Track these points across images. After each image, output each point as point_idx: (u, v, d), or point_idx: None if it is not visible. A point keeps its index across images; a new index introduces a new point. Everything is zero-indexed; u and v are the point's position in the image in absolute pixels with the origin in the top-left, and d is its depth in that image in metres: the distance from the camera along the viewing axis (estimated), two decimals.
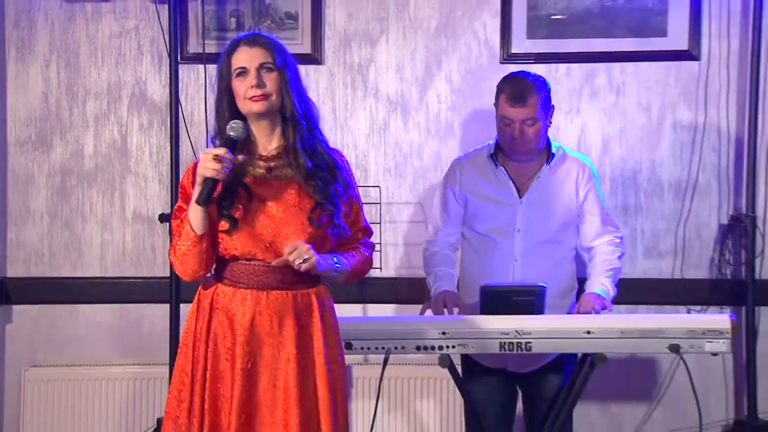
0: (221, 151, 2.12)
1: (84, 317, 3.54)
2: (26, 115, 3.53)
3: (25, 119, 3.53)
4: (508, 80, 2.86)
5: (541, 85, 2.85)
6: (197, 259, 2.20)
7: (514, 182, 2.89)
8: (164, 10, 3.29)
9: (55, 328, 3.54)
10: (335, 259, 2.28)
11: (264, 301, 2.23)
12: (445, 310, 2.80)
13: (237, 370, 2.21)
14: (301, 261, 2.17)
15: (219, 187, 2.19)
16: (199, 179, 2.14)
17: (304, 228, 2.22)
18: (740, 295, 3.32)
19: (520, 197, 2.87)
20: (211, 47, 3.37)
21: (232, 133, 2.17)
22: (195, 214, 2.17)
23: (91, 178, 3.54)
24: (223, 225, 2.18)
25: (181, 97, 3.29)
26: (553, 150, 2.89)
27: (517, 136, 2.79)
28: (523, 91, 2.79)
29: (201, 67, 3.38)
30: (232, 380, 2.23)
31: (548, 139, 2.92)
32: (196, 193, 2.16)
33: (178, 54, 3.27)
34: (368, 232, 2.40)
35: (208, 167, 2.11)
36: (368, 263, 2.40)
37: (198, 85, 3.44)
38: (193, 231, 2.17)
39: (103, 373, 3.44)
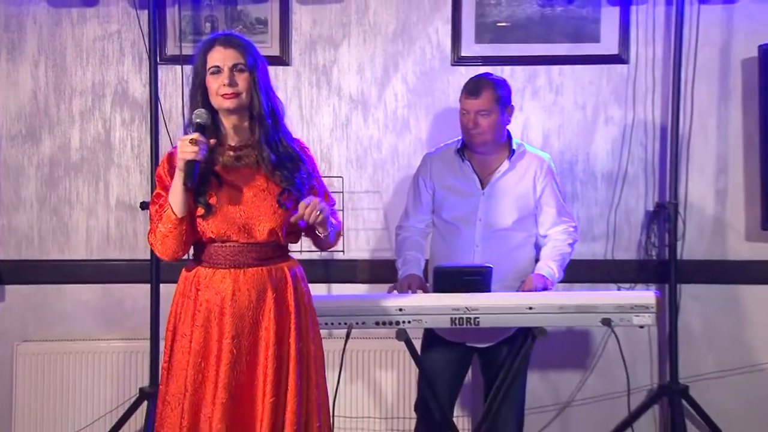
0: (195, 135, 2.20)
1: (71, 296, 3.62)
2: (17, 111, 3.60)
3: (15, 115, 3.60)
4: (470, 79, 3.00)
5: (498, 84, 2.97)
6: (177, 240, 2.26)
7: (478, 175, 2.99)
8: (144, 15, 3.37)
9: (44, 306, 3.62)
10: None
11: (242, 278, 2.30)
12: (409, 292, 2.89)
13: (224, 344, 2.27)
14: (318, 212, 2.26)
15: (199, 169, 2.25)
16: (180, 164, 2.21)
17: (274, 210, 2.30)
18: (664, 274, 3.50)
19: (482, 189, 2.97)
20: (188, 49, 3.44)
21: (198, 120, 2.25)
22: (177, 198, 2.24)
23: (78, 169, 3.61)
24: (199, 211, 2.25)
25: (160, 95, 3.38)
26: (514, 146, 2.99)
27: (471, 126, 2.90)
28: (478, 86, 2.93)
29: (178, 67, 3.49)
30: (219, 353, 2.28)
31: (510, 136, 3.03)
32: (180, 177, 2.22)
33: (157, 55, 3.36)
34: (335, 214, 2.47)
35: (187, 151, 2.19)
36: (339, 233, 2.50)
37: (176, 84, 3.54)
38: (174, 214, 2.24)
39: (89, 347, 3.53)
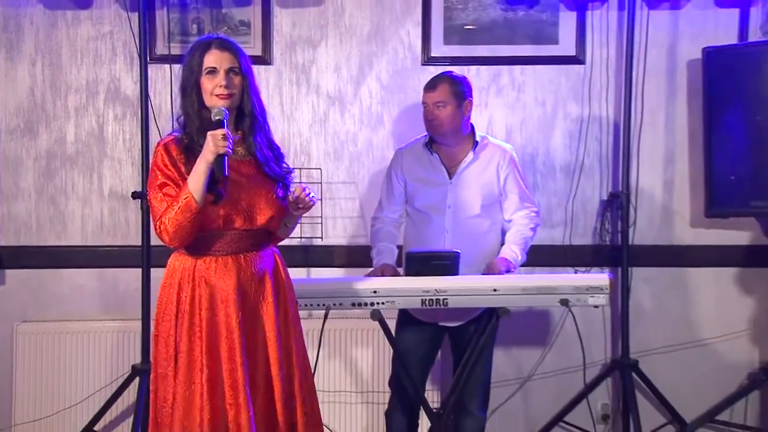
0: (224, 131, 2.22)
1: (68, 280, 3.66)
2: (15, 107, 3.62)
3: (14, 110, 3.62)
4: (432, 76, 3.07)
5: (454, 79, 3.02)
6: (193, 228, 2.26)
7: (445, 166, 3.04)
8: (135, 17, 3.39)
9: (42, 289, 3.65)
10: None
11: (243, 262, 2.35)
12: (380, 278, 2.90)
13: (232, 325, 2.30)
14: (312, 195, 2.33)
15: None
16: (211, 157, 2.21)
17: (270, 197, 2.38)
18: (616, 258, 3.59)
19: (450, 179, 3.02)
20: (176, 49, 3.50)
21: (218, 117, 2.27)
22: (199, 189, 2.23)
23: (73, 161, 3.64)
24: (209, 197, 2.26)
25: (150, 92, 3.41)
26: (477, 138, 3.05)
27: (430, 117, 2.98)
28: (436, 81, 3.00)
29: (167, 66, 3.53)
30: (229, 336, 2.30)
31: (473, 129, 3.08)
32: (205, 169, 2.21)
33: (147, 55, 3.38)
34: None
35: (220, 145, 2.21)
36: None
37: (165, 81, 3.57)
38: (196, 203, 2.22)
39: (84, 327, 3.57)
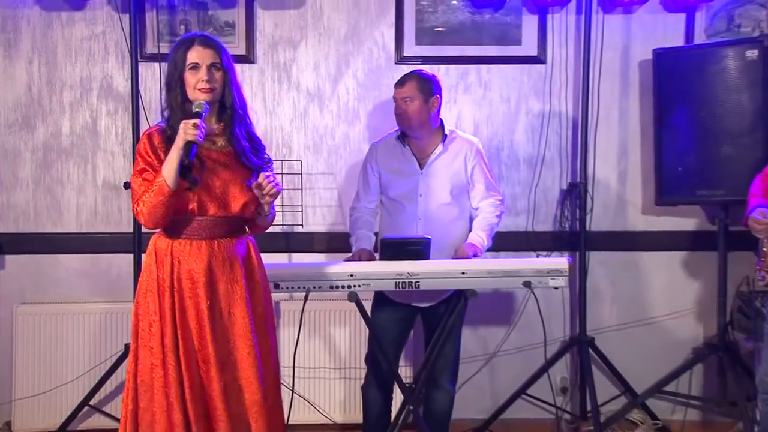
0: (197, 121, 2.23)
1: (64, 264, 3.69)
2: (13, 102, 3.65)
3: (12, 105, 3.65)
4: (402, 74, 3.11)
5: (422, 77, 3.06)
6: (166, 210, 2.28)
7: (416, 158, 3.08)
8: (126, 18, 3.43)
9: (40, 273, 3.69)
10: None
11: (216, 248, 2.36)
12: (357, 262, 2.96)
13: (201, 307, 2.32)
14: (273, 188, 2.30)
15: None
16: (180, 143, 2.22)
17: (243, 186, 2.39)
18: (575, 243, 3.66)
19: (421, 170, 3.06)
20: (165, 49, 3.45)
21: (198, 109, 2.29)
22: (172, 173, 2.24)
23: (68, 153, 3.67)
24: (184, 184, 2.26)
25: (141, 89, 3.43)
26: (446, 132, 3.09)
27: (399, 111, 3.03)
28: (404, 78, 3.06)
29: (156, 64, 3.56)
30: (198, 315, 2.33)
31: (443, 124, 3.11)
32: (178, 155, 2.23)
33: (137, 54, 3.42)
34: (272, 205, 2.46)
35: (190, 133, 2.21)
36: (273, 220, 2.52)
37: (154, 79, 3.60)
38: (168, 187, 2.24)
39: (79, 309, 3.60)
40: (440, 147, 3.08)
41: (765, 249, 2.89)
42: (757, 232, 2.87)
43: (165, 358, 2.30)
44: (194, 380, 2.31)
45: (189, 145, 2.22)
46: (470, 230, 3.12)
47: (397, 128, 3.12)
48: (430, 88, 3.05)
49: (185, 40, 2.38)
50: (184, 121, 2.25)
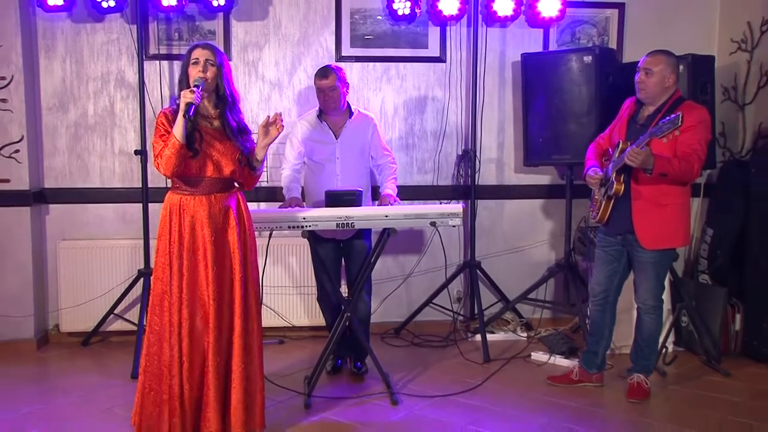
0: (193, 88, 2.59)
1: (92, 211, 4.21)
2: (52, 91, 4.14)
3: (51, 93, 4.15)
4: (320, 69, 3.47)
5: (337, 70, 3.41)
6: (177, 161, 2.57)
7: (332, 130, 3.46)
8: (134, 27, 3.96)
9: (75, 218, 4.19)
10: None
11: (213, 200, 2.68)
12: (292, 207, 3.28)
13: (207, 243, 2.66)
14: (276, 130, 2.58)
15: (190, 128, 2.55)
16: (182, 104, 2.53)
17: (233, 157, 2.70)
18: (467, 194, 4.21)
19: (336, 138, 3.46)
20: (164, 50, 4.06)
21: (196, 83, 2.62)
22: (179, 130, 2.56)
23: (93, 129, 4.17)
24: (188, 153, 2.60)
25: (146, 80, 3.95)
26: (353, 110, 3.49)
27: (327, 98, 3.40)
28: (326, 72, 3.41)
29: (158, 62, 4.08)
30: (204, 250, 2.65)
31: (349, 105, 3.48)
32: (181, 119, 2.54)
33: (143, 54, 3.91)
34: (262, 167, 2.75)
35: (188, 96, 2.56)
36: (258, 178, 2.81)
37: (156, 74, 4.09)
38: (178, 140, 2.55)
39: (103, 244, 4.16)
40: (349, 121, 3.47)
41: (596, 197, 3.35)
42: (591, 185, 3.34)
43: (171, 281, 2.67)
44: (195, 299, 2.64)
45: (188, 105, 2.55)
46: (372, 180, 3.55)
47: (317, 107, 3.49)
48: (343, 77, 3.44)
49: (192, 45, 2.77)
50: (184, 90, 2.64)
